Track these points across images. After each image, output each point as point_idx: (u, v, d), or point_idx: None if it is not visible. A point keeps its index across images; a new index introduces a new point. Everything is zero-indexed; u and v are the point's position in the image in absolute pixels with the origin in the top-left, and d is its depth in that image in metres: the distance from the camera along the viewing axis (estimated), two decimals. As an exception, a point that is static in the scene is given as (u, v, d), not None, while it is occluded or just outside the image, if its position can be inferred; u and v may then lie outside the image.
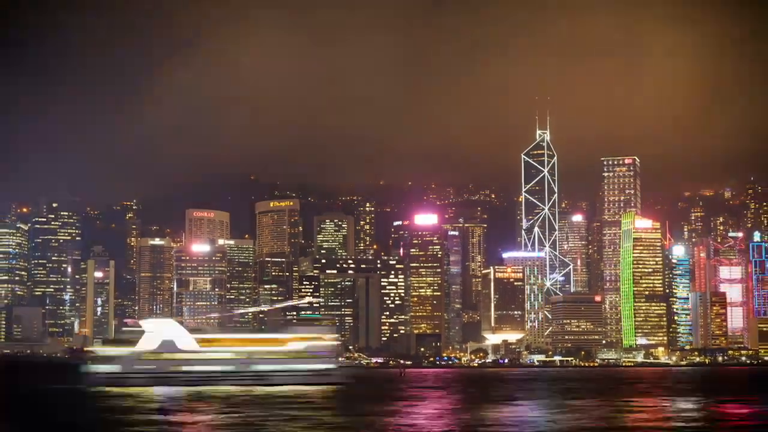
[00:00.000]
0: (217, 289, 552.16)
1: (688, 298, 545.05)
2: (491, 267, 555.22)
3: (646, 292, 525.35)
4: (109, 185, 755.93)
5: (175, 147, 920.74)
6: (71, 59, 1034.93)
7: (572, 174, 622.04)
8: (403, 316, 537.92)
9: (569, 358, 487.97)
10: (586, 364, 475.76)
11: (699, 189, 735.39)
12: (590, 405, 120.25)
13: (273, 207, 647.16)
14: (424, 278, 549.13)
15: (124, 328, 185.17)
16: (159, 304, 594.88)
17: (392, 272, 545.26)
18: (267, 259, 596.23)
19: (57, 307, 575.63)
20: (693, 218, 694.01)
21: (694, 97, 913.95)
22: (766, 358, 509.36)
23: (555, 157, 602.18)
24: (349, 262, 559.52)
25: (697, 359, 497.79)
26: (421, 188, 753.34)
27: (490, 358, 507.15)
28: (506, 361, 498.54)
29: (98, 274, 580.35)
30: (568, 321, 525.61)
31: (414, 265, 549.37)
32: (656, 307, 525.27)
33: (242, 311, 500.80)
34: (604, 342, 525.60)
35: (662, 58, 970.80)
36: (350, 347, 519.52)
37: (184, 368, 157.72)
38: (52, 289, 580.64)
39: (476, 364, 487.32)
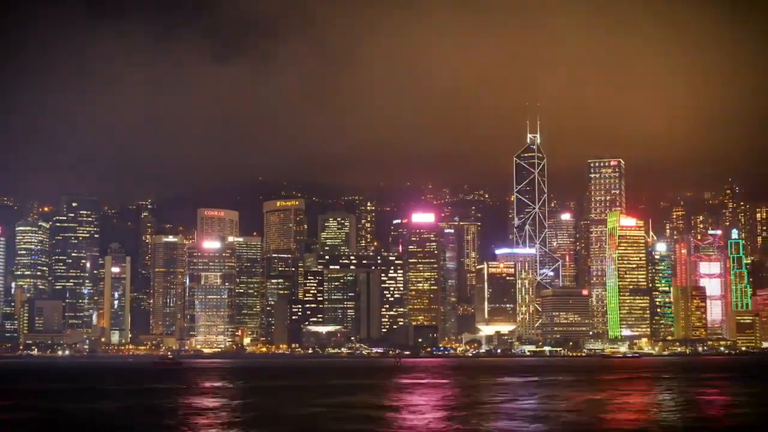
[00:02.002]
0: (227, 284, 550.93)
1: (669, 292, 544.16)
2: (485, 263, 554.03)
3: (631, 287, 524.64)
4: (126, 186, 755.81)
5: (184, 150, 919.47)
6: (80, 61, 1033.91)
7: (561, 175, 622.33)
8: (401, 309, 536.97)
9: (558, 349, 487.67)
10: (574, 354, 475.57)
11: (680, 189, 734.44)
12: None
13: (279, 206, 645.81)
14: (422, 273, 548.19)
15: None
16: (172, 297, 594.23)
17: (391, 268, 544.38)
18: (274, 255, 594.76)
19: (76, 300, 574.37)
20: (674, 217, 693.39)
21: (678, 104, 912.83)
22: (743, 348, 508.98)
23: (545, 160, 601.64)
24: (351, 258, 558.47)
25: (679, 349, 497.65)
26: (419, 189, 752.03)
27: (483, 349, 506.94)
28: (499, 351, 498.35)
29: (115, 270, 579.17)
30: (557, 313, 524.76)
31: (412, 261, 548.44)
32: (640, 301, 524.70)
33: None
34: (590, 333, 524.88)
35: (648, 65, 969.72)
36: (352, 338, 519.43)
37: None
38: (71, 284, 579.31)
39: (470, 354, 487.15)
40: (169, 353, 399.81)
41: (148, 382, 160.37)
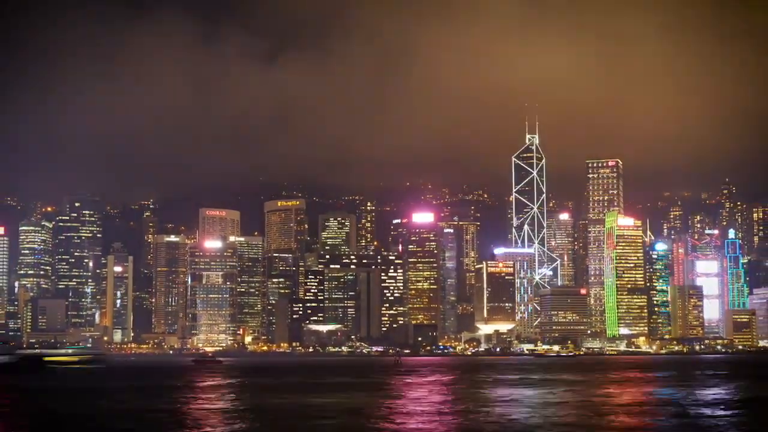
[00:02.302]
0: (228, 283, 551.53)
1: (667, 291, 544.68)
2: (484, 262, 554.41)
3: (629, 286, 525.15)
4: (128, 186, 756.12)
5: (186, 150, 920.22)
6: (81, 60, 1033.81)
7: (559, 175, 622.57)
8: (401, 308, 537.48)
9: (556, 347, 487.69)
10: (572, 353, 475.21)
11: (677, 189, 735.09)
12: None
13: (280, 206, 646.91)
14: (422, 272, 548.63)
15: None
16: (174, 296, 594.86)
17: (391, 267, 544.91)
18: (275, 254, 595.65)
19: (79, 299, 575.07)
20: (672, 217, 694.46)
21: (675, 105, 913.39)
22: (740, 347, 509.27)
23: (543, 160, 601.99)
24: (352, 257, 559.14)
25: (676, 348, 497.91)
26: (419, 189, 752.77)
27: (482, 347, 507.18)
28: (498, 349, 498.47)
29: (118, 269, 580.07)
30: (556, 312, 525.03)
31: (412, 260, 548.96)
32: (638, 300, 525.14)
33: None
34: (589, 332, 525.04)
35: (645, 67, 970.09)
36: (353, 337, 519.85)
37: None
38: (74, 283, 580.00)
39: (470, 353, 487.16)
40: (210, 353, 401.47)
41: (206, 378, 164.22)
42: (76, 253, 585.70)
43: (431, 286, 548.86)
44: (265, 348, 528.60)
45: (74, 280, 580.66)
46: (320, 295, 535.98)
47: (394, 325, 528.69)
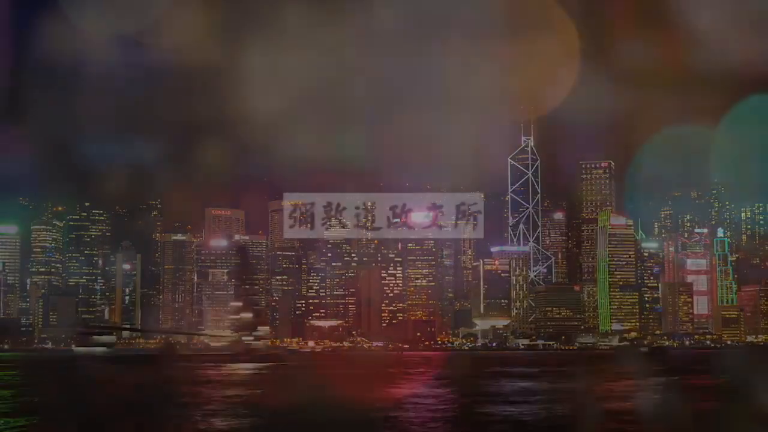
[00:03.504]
0: (233, 280, 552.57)
1: (658, 288, 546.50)
2: (481, 260, 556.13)
3: (621, 283, 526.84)
4: (136, 186, 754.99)
5: (192, 152, 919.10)
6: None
7: (554, 176, 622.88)
8: (401, 305, 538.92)
9: (551, 342, 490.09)
10: (566, 348, 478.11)
11: (668, 190, 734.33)
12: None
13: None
14: (420, 270, 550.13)
15: None
16: (181, 293, 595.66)
17: (391, 265, 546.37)
18: (278, 252, 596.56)
19: (89, 296, 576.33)
20: (662, 216, 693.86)
21: (670, 107, 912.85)
22: (729, 342, 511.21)
23: (538, 161, 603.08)
24: (353, 255, 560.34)
25: (666, 343, 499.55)
26: (418, 189, 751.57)
27: (479, 342, 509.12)
28: (494, 344, 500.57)
29: (126, 267, 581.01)
30: (550, 308, 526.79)
31: (411, 258, 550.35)
32: (629, 296, 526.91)
33: None
34: (582, 327, 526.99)
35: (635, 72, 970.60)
36: (354, 332, 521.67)
37: None
38: (84, 280, 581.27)
39: (467, 348, 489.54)
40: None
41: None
42: (86, 252, 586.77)
43: (429, 284, 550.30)
44: (269, 343, 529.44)
45: (84, 277, 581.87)
46: (322, 292, 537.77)
47: (394, 321, 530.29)
